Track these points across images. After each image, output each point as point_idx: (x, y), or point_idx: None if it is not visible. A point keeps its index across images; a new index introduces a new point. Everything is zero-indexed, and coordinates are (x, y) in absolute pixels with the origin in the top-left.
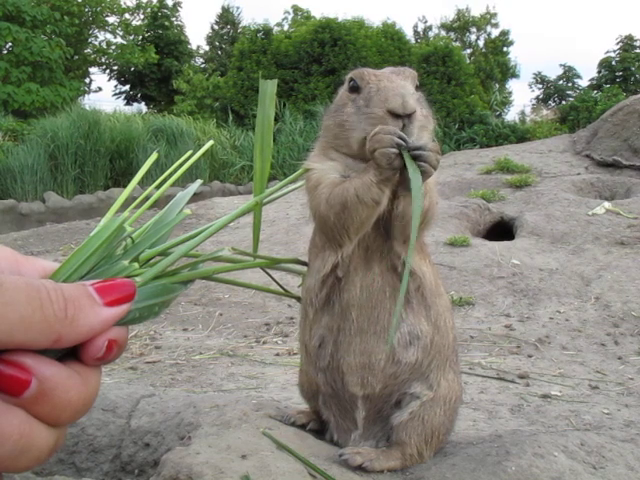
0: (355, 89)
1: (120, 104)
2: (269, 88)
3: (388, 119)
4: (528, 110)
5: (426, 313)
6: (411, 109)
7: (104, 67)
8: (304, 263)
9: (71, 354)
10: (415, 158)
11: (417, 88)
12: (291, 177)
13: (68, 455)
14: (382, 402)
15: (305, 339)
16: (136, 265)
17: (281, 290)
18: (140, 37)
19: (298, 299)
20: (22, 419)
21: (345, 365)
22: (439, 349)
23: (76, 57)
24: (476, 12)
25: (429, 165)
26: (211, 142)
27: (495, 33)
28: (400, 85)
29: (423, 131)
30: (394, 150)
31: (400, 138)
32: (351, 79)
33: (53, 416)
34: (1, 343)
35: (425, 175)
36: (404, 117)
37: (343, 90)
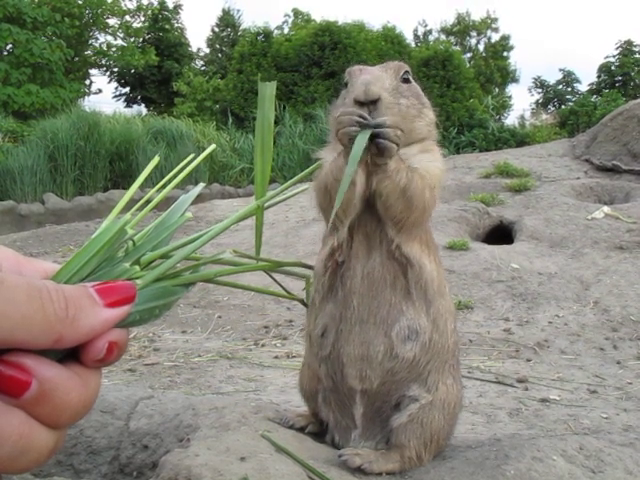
0: (346, 84)
1: (120, 106)
2: (268, 90)
3: (355, 108)
4: (528, 114)
5: (426, 309)
6: (373, 96)
7: (104, 69)
8: (307, 266)
9: (71, 356)
10: (375, 135)
11: (406, 81)
12: (299, 175)
13: (67, 457)
14: (380, 401)
15: (310, 328)
16: (137, 268)
17: (284, 292)
18: (140, 39)
19: (301, 301)
20: (22, 420)
21: (345, 355)
22: (437, 350)
23: (76, 59)
24: (476, 16)
25: (388, 141)
26: (213, 146)
27: (495, 38)
28: (372, 75)
29: (413, 122)
30: (354, 129)
31: (360, 117)
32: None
33: (53, 417)
34: (2, 341)
35: (386, 151)
36: (368, 104)
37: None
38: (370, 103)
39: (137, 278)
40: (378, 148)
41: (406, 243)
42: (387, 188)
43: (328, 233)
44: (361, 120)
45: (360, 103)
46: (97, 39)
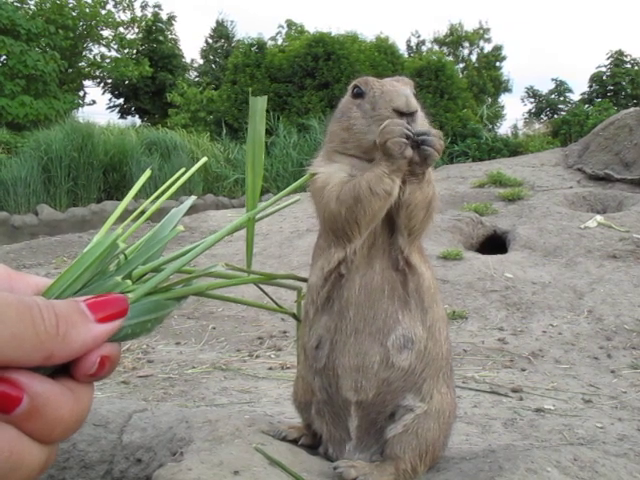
0: (359, 95)
1: (114, 117)
2: (259, 105)
3: (394, 118)
4: (520, 124)
5: (422, 317)
6: (414, 108)
7: (98, 80)
8: (300, 279)
9: (63, 371)
10: (420, 143)
11: (415, 95)
12: (289, 188)
13: (59, 471)
14: (376, 412)
15: (304, 340)
16: (129, 282)
17: (275, 306)
18: (134, 50)
19: (293, 315)
20: (12, 436)
21: (340, 367)
22: (432, 357)
23: (70, 70)
24: (469, 27)
25: (433, 149)
26: (205, 159)
27: (488, 48)
28: (402, 88)
29: None
30: (405, 140)
31: (407, 129)
32: (355, 86)
33: (44, 433)
34: None
35: (429, 158)
36: (408, 115)
37: (346, 97)
38: (409, 114)
39: (129, 292)
40: (421, 156)
41: (411, 252)
42: (417, 199)
43: (330, 246)
44: (410, 133)
45: (401, 114)
46: (91, 50)
